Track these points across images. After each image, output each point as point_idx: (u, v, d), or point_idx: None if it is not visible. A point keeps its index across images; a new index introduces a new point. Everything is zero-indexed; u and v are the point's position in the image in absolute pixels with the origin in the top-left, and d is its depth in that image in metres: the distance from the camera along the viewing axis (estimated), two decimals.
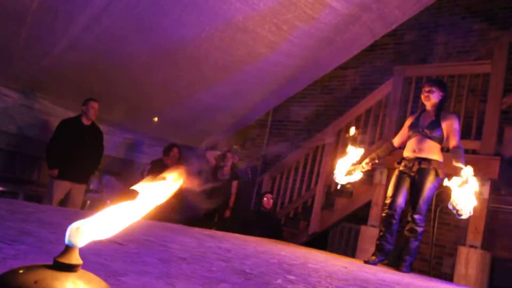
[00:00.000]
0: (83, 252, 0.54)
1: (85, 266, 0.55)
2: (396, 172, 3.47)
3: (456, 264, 3.89)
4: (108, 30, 4.59)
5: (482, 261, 3.79)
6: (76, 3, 4.25)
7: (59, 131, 4.65)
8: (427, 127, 3.33)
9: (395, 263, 3.44)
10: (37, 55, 4.75)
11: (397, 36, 6.05)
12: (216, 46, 5.14)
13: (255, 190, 6.42)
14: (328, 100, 6.62)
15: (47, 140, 4.77)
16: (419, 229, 3.30)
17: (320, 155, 5.56)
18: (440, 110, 3.38)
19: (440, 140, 3.31)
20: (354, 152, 3.25)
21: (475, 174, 2.69)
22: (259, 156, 7.08)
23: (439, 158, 3.32)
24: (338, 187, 5.02)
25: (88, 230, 0.54)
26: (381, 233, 3.42)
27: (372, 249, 3.54)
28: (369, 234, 4.33)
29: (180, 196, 4.99)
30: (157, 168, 5.12)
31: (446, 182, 2.73)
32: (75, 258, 0.53)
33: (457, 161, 2.99)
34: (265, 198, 5.27)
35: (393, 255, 3.54)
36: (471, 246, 3.82)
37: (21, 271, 0.51)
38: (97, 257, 1.20)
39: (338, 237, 5.52)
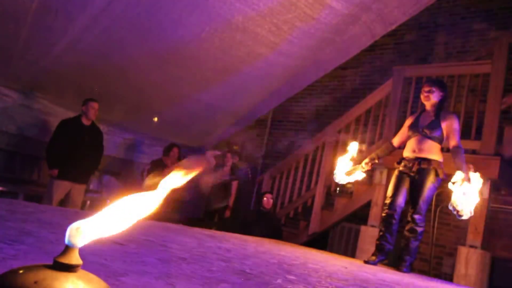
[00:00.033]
0: (83, 252, 0.54)
1: (85, 266, 0.55)
2: (396, 172, 3.47)
3: (456, 264, 3.89)
4: (108, 30, 4.59)
5: (482, 261, 3.79)
6: (76, 4, 4.25)
7: (59, 131, 4.66)
8: (427, 127, 3.33)
9: (395, 263, 3.44)
10: (37, 55, 4.75)
11: (397, 36, 6.04)
12: (216, 46, 5.14)
13: (255, 190, 6.41)
14: (328, 100, 6.61)
15: (47, 140, 4.78)
16: (419, 229, 3.30)
17: (320, 155, 5.55)
18: (440, 110, 3.38)
19: (440, 140, 3.31)
20: (353, 148, 3.27)
21: (477, 172, 2.69)
22: (259, 156, 7.08)
23: (439, 158, 3.32)
24: (338, 190, 5.03)
25: (88, 230, 0.54)
26: (381, 233, 3.42)
27: (372, 249, 3.54)
28: (369, 234, 4.33)
29: (180, 196, 5.01)
30: (157, 168, 5.11)
31: (449, 186, 2.74)
32: (75, 258, 0.53)
33: (457, 161, 2.99)
34: (265, 198, 5.27)
35: (393, 255, 3.54)
36: (471, 246, 3.82)
37: (21, 271, 0.51)
38: (97, 257, 1.20)
39: (338, 237, 5.52)
